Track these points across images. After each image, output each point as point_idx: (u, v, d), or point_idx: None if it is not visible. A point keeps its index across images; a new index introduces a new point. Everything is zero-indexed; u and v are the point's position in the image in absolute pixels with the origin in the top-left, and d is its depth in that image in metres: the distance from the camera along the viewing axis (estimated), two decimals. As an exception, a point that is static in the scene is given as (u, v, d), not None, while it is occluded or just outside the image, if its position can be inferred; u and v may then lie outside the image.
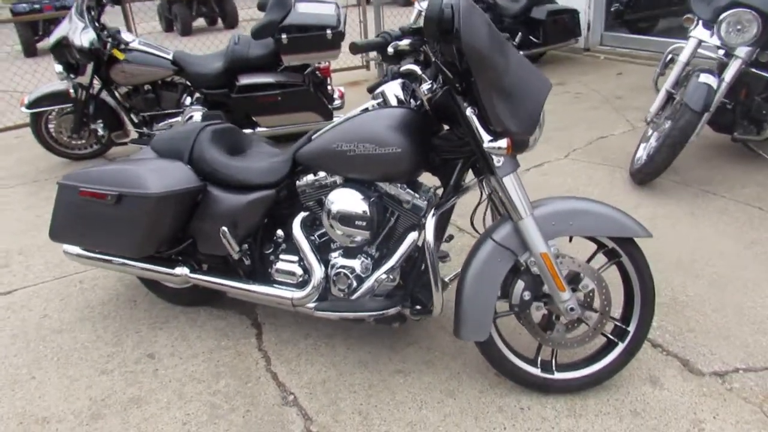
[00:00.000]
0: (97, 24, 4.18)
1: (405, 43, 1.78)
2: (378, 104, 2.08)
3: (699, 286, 2.52)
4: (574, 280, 1.96)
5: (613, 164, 3.78)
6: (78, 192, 2.23)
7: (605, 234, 1.90)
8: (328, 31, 4.00)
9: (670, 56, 3.56)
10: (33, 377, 2.27)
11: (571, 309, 1.88)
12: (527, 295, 1.92)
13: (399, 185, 2.06)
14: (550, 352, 2.03)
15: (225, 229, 2.21)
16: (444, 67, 1.76)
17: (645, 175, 3.35)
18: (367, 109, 2.09)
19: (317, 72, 4.39)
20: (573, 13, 6.28)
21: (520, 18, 6.12)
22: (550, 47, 6.31)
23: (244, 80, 4.16)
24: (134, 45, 4.20)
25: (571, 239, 2.08)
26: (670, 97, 3.40)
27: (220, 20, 11.76)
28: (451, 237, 2.43)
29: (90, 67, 4.13)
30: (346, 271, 2.09)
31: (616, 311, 2.05)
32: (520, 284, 1.93)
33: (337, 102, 4.54)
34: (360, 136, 1.95)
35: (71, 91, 4.19)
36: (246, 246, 2.28)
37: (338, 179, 2.10)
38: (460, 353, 2.23)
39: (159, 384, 2.19)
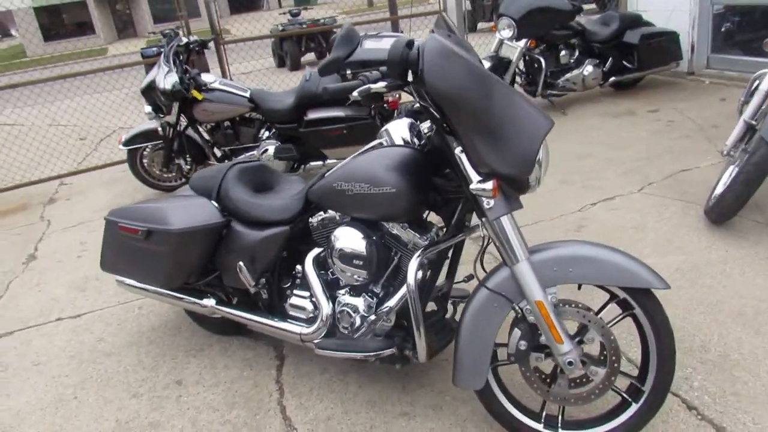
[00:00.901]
0: (184, 67, 4.55)
1: (380, 86, 1.77)
2: (383, 142, 2.08)
3: (757, 343, 2.21)
4: (581, 331, 1.81)
5: (690, 200, 3.45)
6: (118, 227, 2.42)
7: (610, 283, 1.74)
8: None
9: (756, 83, 3.22)
10: (76, 397, 2.47)
11: (570, 363, 1.73)
12: (523, 345, 1.80)
13: (401, 225, 2.03)
14: (558, 408, 1.87)
15: (241, 263, 2.29)
16: (428, 107, 1.73)
17: (718, 215, 3.02)
18: (374, 147, 2.10)
19: (385, 105, 4.45)
20: (671, 36, 5.87)
21: (611, 43, 5.82)
22: (646, 72, 5.93)
23: (312, 115, 4.32)
24: (214, 85, 4.52)
25: (579, 287, 1.92)
26: (749, 128, 3.07)
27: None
28: (471, 276, 2.33)
29: (176, 107, 4.49)
30: (349, 309, 2.08)
31: (636, 368, 1.85)
32: (516, 333, 1.81)
33: (404, 135, 4.55)
34: (357, 175, 1.95)
35: (159, 129, 4.58)
36: (264, 280, 2.35)
37: (346, 217, 2.12)
38: (471, 398, 2.12)
39: (178, 410, 2.29)
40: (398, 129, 2.06)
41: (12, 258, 4.12)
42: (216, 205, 2.39)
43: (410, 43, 1.59)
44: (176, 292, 2.55)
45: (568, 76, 5.64)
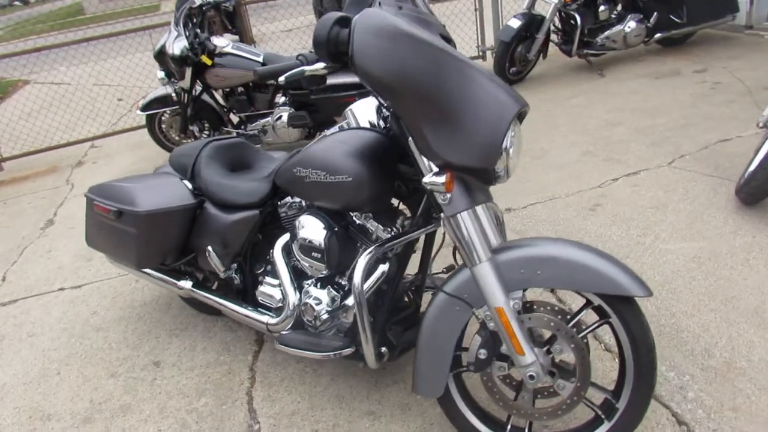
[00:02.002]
0: (195, 31, 4.42)
1: (316, 67, 1.59)
2: (344, 125, 1.91)
3: (770, 348, 1.98)
4: (550, 340, 1.63)
5: (723, 176, 3.13)
6: (94, 204, 2.37)
7: (583, 289, 1.55)
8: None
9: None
10: (59, 373, 2.48)
11: (531, 377, 1.56)
12: (483, 354, 1.64)
13: (364, 215, 1.88)
14: (525, 420, 1.72)
15: (209, 248, 2.20)
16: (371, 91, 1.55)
17: (748, 195, 2.72)
18: (342, 128, 1.94)
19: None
20: (726, -14, 5.31)
21: (658, -5, 5.32)
22: (697, 27, 5.41)
23: (329, 81, 4.14)
24: (226, 50, 4.38)
25: (553, 290, 1.73)
26: (791, 97, 2.71)
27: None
28: (451, 267, 2.17)
29: (188, 72, 4.39)
30: (313, 302, 1.96)
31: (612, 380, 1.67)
32: (477, 340, 1.65)
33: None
34: (314, 161, 1.80)
35: (173, 94, 4.51)
36: (235, 265, 2.25)
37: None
38: (442, 401, 1.99)
39: (150, 394, 2.26)
40: (364, 110, 1.89)
41: (32, 223, 4.21)
42: (189, 185, 2.29)
43: (343, 20, 1.40)
44: (155, 271, 2.50)
45: (607, 33, 5.20)
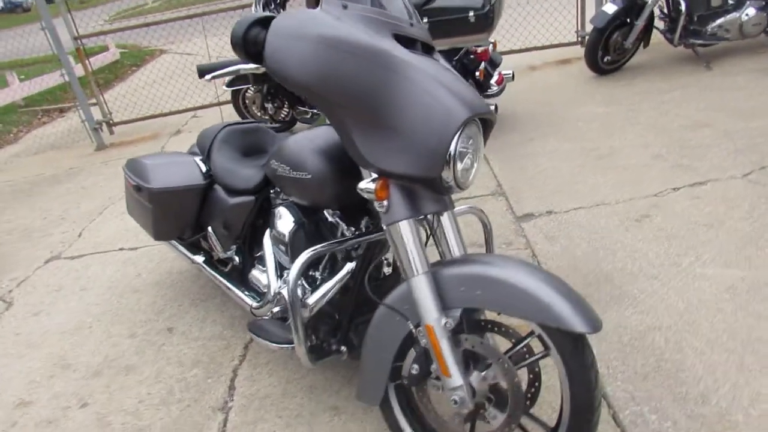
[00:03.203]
0: (279, 11, 4.55)
1: (252, 66, 1.56)
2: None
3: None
4: (488, 365, 1.53)
5: (805, 195, 2.71)
6: (125, 178, 2.56)
7: (521, 315, 1.42)
8: (471, 14, 3.67)
9: None
10: (90, 327, 2.74)
11: (455, 401, 1.48)
12: (416, 370, 1.57)
13: (333, 212, 1.86)
14: (464, 439, 1.64)
15: (210, 229, 2.29)
16: None
17: (817, 221, 2.34)
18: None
19: (471, 56, 4.07)
20: None
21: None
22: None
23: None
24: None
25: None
26: None
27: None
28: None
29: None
30: (285, 293, 1.98)
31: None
32: (412, 354, 1.59)
33: (493, 89, 4.16)
34: (283, 156, 1.81)
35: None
36: (235, 247, 2.33)
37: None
38: (406, 407, 1.95)
39: (154, 358, 2.43)
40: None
41: (120, 185, 4.62)
42: (203, 167, 2.40)
43: (263, 21, 1.37)
44: (175, 243, 2.65)
45: (720, 21, 4.64)
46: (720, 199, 2.82)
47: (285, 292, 1.68)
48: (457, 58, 3.97)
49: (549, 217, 2.96)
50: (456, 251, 1.65)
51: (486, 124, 1.58)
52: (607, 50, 4.86)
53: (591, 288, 2.36)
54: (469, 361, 1.55)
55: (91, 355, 2.52)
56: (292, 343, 1.88)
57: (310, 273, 1.98)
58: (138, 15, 21.82)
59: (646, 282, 2.33)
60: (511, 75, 4.41)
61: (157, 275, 3.09)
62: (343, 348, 1.87)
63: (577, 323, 1.34)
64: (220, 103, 6.24)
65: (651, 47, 5.05)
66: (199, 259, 2.53)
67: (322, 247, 1.67)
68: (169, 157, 2.47)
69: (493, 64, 4.31)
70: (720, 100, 4.01)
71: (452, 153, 1.40)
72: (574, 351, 1.41)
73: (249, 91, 5.05)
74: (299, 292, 1.94)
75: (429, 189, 1.49)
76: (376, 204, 1.48)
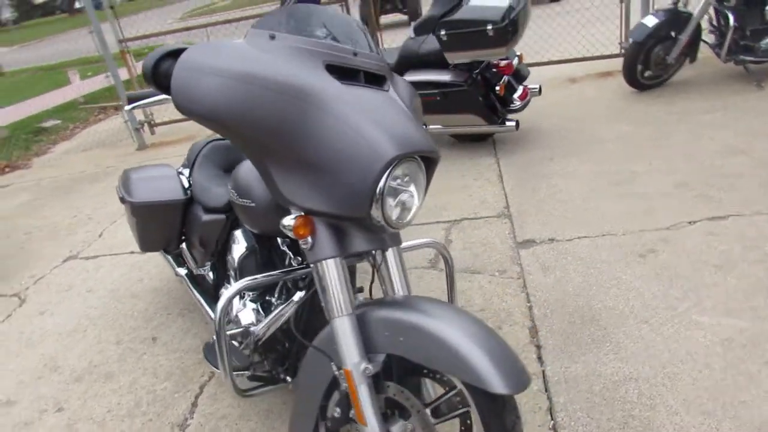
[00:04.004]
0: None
1: (164, 96, 1.52)
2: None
3: None
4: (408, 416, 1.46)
5: (832, 238, 2.46)
6: (116, 189, 2.61)
7: (437, 368, 1.35)
8: (489, 27, 3.55)
9: None
10: (85, 331, 2.82)
11: (368, 452, 1.41)
12: (337, 413, 1.52)
13: (282, 240, 1.83)
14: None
15: (183, 245, 2.31)
16: None
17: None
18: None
19: (493, 69, 3.94)
20: None
21: None
22: None
23: (406, 77, 4.03)
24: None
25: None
26: None
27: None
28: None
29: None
30: (240, 315, 1.96)
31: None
32: (335, 396, 1.53)
33: (515, 104, 4.02)
34: (235, 180, 1.78)
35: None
36: (209, 264, 2.34)
37: None
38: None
39: (132, 367, 2.47)
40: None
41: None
42: (185, 182, 2.42)
43: (175, 53, 1.33)
44: (166, 254, 2.69)
45: (775, 37, 4.30)
46: (738, 237, 2.60)
47: (215, 322, 1.65)
48: (477, 71, 3.85)
49: (550, 245, 2.81)
50: (399, 290, 1.58)
51: (429, 160, 1.51)
52: (648, 65, 4.60)
53: (573, 327, 2.23)
54: (394, 409, 1.48)
55: (78, 359, 2.59)
56: (238, 369, 1.87)
57: (267, 298, 1.96)
58: (208, 13, 22.60)
59: (635, 325, 2.18)
60: (537, 89, 4.25)
61: (157, 281, 3.15)
62: (289, 378, 1.83)
63: (495, 383, 1.25)
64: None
65: (699, 62, 4.74)
66: (182, 271, 2.55)
67: (251, 279, 1.64)
68: (155, 170, 2.50)
69: (519, 77, 4.17)
70: (763, 125, 3.71)
71: (380, 192, 1.33)
72: (494, 411, 1.32)
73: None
74: (252, 316, 1.93)
75: (361, 227, 1.43)
76: (300, 242, 1.44)
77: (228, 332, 1.96)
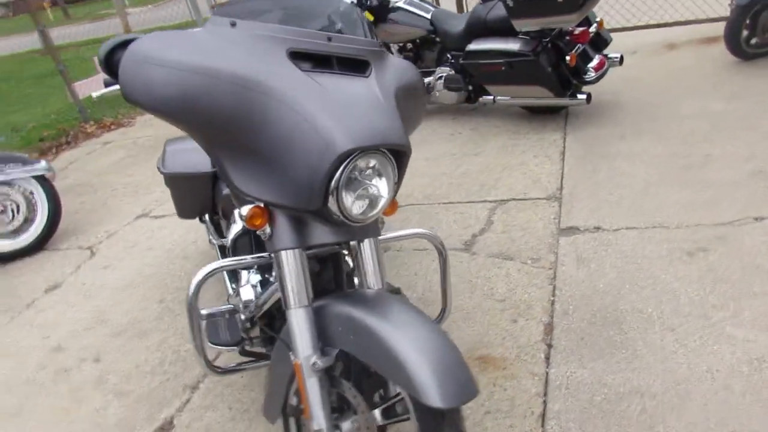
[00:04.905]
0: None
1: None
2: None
3: None
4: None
5: None
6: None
7: (381, 372, 1.32)
8: (557, -8, 3.28)
9: None
10: (136, 287, 3.03)
11: (313, 445, 1.41)
12: (294, 402, 1.53)
13: None
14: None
15: (206, 216, 2.39)
16: None
17: None
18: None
19: (567, 38, 3.65)
20: None
21: None
22: None
23: (473, 45, 3.85)
24: (398, 5, 4.35)
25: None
26: None
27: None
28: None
29: (364, 25, 4.51)
30: (241, 291, 2.01)
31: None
32: (294, 386, 1.53)
33: (589, 75, 3.72)
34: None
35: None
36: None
37: None
38: None
39: (166, 326, 2.63)
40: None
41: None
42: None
43: (128, 43, 1.33)
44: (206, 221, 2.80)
45: None
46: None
47: (186, 300, 1.69)
48: (547, 40, 3.58)
49: (593, 235, 2.62)
50: (372, 284, 1.55)
51: (400, 153, 1.44)
52: (754, 31, 4.06)
53: (592, 328, 2.07)
54: (347, 405, 1.46)
55: (123, 315, 2.80)
56: (229, 345, 1.93)
57: (266, 276, 1.99)
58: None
59: (658, 333, 1.99)
60: (618, 59, 3.89)
61: (208, 245, 3.31)
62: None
63: (431, 395, 1.20)
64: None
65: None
66: (216, 240, 2.65)
67: (222, 264, 1.66)
68: (191, 143, 2.59)
69: (599, 45, 3.84)
70: None
71: (337, 186, 1.29)
72: (433, 423, 1.27)
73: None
74: (251, 293, 1.97)
75: (323, 219, 1.40)
76: (258, 232, 1.43)
77: (222, 307, 2.02)
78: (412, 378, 1.21)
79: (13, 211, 3.59)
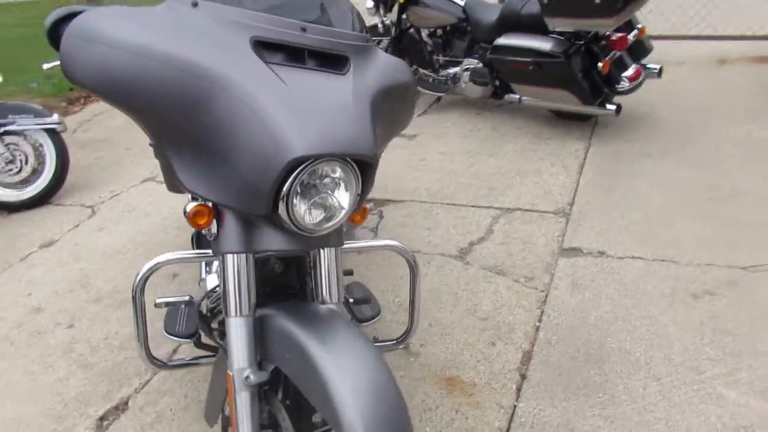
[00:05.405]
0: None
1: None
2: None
3: None
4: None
5: None
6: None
7: (310, 400, 1.21)
8: (596, -6, 3.07)
9: None
10: (125, 254, 2.99)
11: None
12: (227, 411, 1.44)
13: None
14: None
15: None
16: None
17: None
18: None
19: (603, 43, 3.44)
20: None
21: None
22: None
23: (501, 40, 3.66)
24: (434, -13, 4.17)
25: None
26: None
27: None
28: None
29: (396, 7, 4.35)
30: (208, 279, 1.94)
31: None
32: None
33: (622, 85, 3.50)
34: None
35: (379, 25, 4.54)
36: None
37: None
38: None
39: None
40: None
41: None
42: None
43: (74, 15, 1.23)
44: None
45: None
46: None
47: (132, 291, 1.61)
48: (582, 42, 3.38)
49: (596, 260, 2.46)
50: (327, 297, 1.44)
51: (366, 163, 1.32)
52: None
53: (572, 364, 1.94)
54: (275, 425, 1.38)
55: (106, 282, 2.76)
56: (182, 336, 1.86)
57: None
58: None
59: (643, 381, 1.84)
60: (657, 70, 3.65)
61: (204, 218, 3.24)
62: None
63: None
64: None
65: None
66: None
67: (168, 258, 1.57)
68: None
69: (637, 53, 3.60)
70: None
71: (287, 192, 1.19)
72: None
73: (382, 42, 4.91)
74: (215, 282, 1.89)
75: (275, 226, 1.30)
76: (203, 231, 1.34)
77: (180, 298, 1.93)
78: (338, 415, 1.11)
79: (21, 161, 3.59)
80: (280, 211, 1.20)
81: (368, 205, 3.16)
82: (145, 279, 1.55)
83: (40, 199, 3.65)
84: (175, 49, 1.17)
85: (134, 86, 1.17)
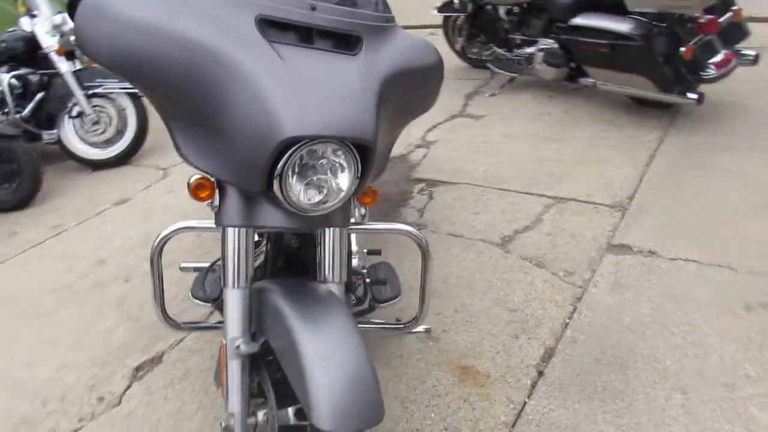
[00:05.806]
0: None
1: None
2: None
3: None
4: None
5: None
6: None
7: (288, 376, 1.24)
8: (682, -28, 2.83)
9: None
10: (188, 216, 3.15)
11: (226, 428, 1.37)
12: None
13: None
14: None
15: None
16: None
17: None
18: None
19: (690, 25, 3.17)
20: None
21: None
22: None
23: (577, 19, 3.47)
24: (512, -37, 4.00)
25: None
26: None
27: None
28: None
29: (474, -20, 4.23)
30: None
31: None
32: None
33: (708, 72, 3.22)
34: None
35: (455, 0, 4.43)
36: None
37: None
38: None
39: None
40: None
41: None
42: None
43: None
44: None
45: None
46: None
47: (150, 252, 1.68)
48: (664, 24, 3.13)
49: (645, 259, 2.31)
50: (329, 276, 1.46)
51: (365, 148, 1.30)
52: None
53: (594, 366, 1.85)
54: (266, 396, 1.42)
55: (115, 271, 2.83)
56: (204, 300, 1.94)
57: (256, 237, 1.96)
58: None
59: (667, 392, 1.73)
60: (752, 57, 3.31)
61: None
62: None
63: (321, 416, 1.12)
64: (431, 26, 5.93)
65: None
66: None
67: (188, 225, 1.64)
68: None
69: (730, 38, 3.29)
70: None
71: (281, 171, 1.21)
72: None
73: (459, 19, 4.79)
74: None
75: (274, 203, 1.33)
76: (206, 203, 1.39)
77: (206, 263, 2.01)
78: (308, 392, 1.13)
79: (105, 123, 3.86)
80: (274, 189, 1.22)
81: (420, 186, 3.15)
82: (163, 243, 1.63)
83: (121, 159, 3.92)
84: (180, 27, 1.20)
85: (141, 63, 1.22)
